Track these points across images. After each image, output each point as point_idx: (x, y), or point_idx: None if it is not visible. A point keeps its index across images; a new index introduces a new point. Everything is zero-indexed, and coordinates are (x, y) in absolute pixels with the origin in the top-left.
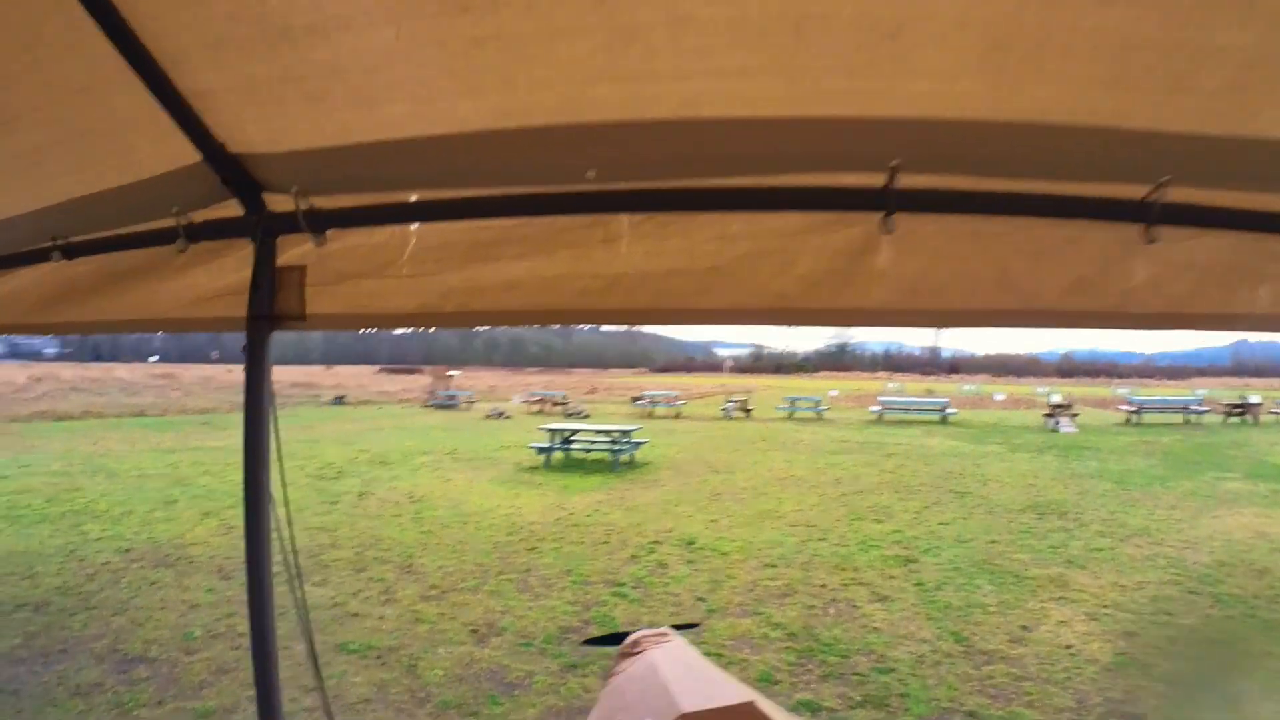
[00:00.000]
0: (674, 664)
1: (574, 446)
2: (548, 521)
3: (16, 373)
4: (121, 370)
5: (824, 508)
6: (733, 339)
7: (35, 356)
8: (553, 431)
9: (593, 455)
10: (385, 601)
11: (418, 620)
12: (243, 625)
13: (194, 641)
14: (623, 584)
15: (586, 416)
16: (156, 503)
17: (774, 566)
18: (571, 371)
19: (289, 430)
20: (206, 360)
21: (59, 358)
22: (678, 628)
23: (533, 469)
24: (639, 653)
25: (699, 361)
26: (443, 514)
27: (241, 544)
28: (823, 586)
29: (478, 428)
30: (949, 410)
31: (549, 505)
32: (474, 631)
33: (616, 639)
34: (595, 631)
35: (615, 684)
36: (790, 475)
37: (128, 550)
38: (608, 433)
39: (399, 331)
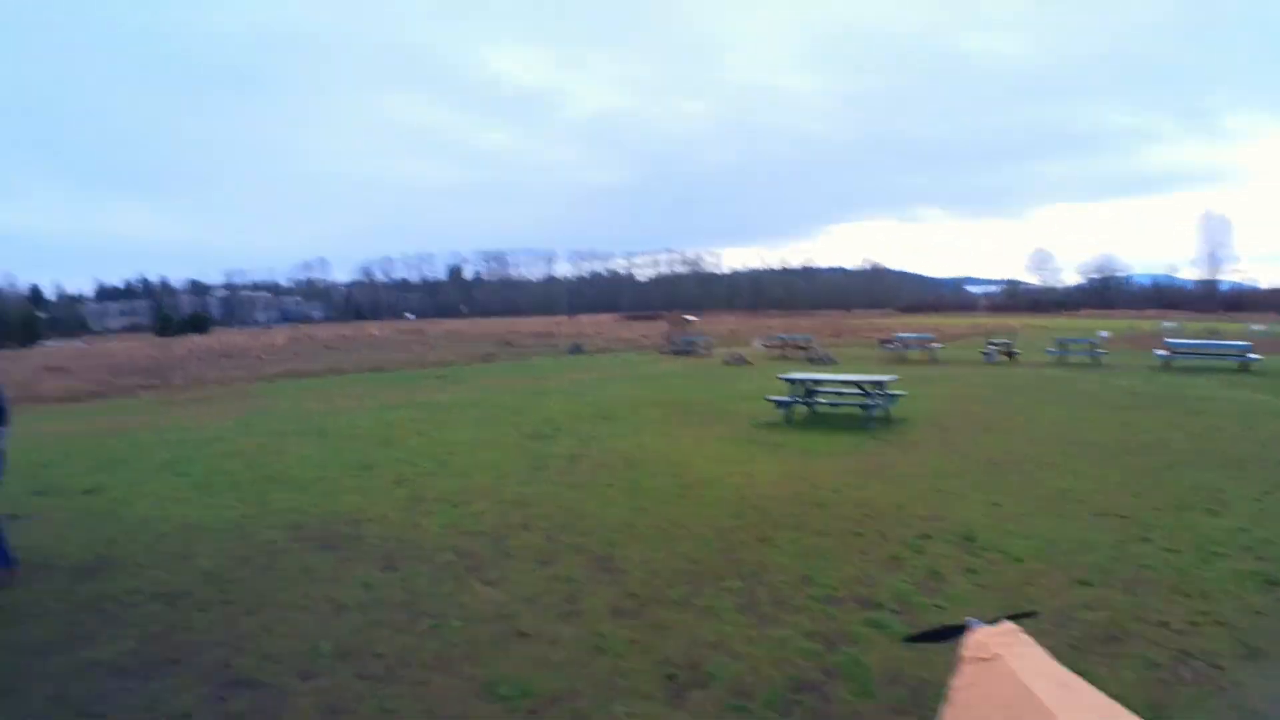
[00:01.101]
0: (1049, 685)
1: (819, 400)
2: (785, 496)
3: (279, 335)
4: (373, 328)
5: (1133, 487)
6: (985, 275)
7: (304, 320)
8: (794, 382)
9: (841, 410)
10: (566, 614)
11: (599, 649)
12: (384, 643)
13: (318, 661)
14: (881, 604)
15: (832, 362)
16: (352, 467)
17: (1088, 585)
18: (814, 313)
19: (519, 382)
20: (457, 314)
21: (324, 320)
22: (1013, 618)
23: (771, 425)
24: (989, 659)
25: (949, 299)
26: (662, 483)
27: (424, 523)
28: (1163, 625)
29: (714, 375)
30: (1250, 355)
31: (788, 474)
32: (669, 677)
33: (944, 634)
34: (842, 682)
35: (967, 702)
36: (1079, 438)
37: (299, 526)
38: (857, 383)
39: (642, 278)
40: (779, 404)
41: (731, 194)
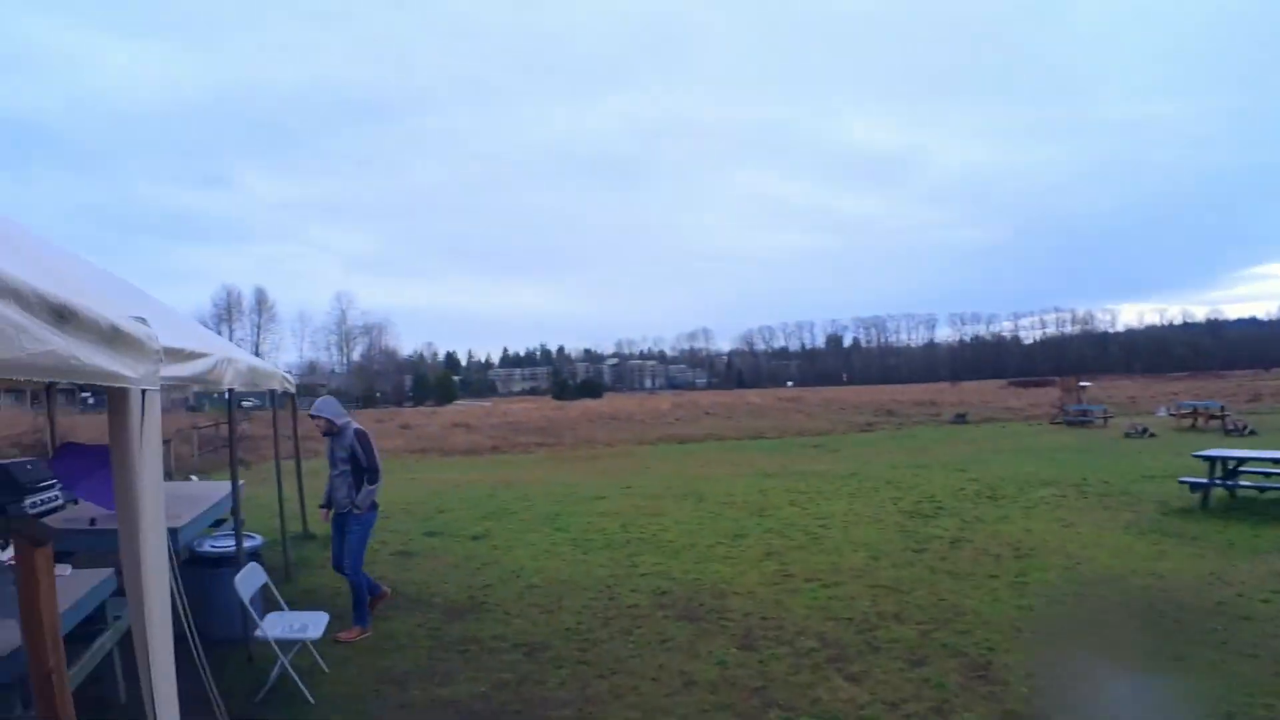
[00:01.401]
0: None
1: (1242, 482)
2: (1203, 604)
3: (664, 401)
4: (753, 395)
5: None
6: None
7: (688, 386)
8: (1212, 460)
9: (1269, 494)
10: None
11: None
12: None
13: None
14: None
15: (1253, 434)
16: (723, 535)
17: None
18: (1225, 374)
19: (899, 454)
20: (836, 382)
21: (707, 387)
22: None
23: (1184, 512)
24: None
25: None
26: (1054, 578)
27: (789, 602)
28: None
29: (1114, 449)
30: None
31: (1204, 575)
32: None
33: None
34: None
35: None
36: None
37: (664, 593)
38: None
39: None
40: (1193, 486)
41: (1121, 243)
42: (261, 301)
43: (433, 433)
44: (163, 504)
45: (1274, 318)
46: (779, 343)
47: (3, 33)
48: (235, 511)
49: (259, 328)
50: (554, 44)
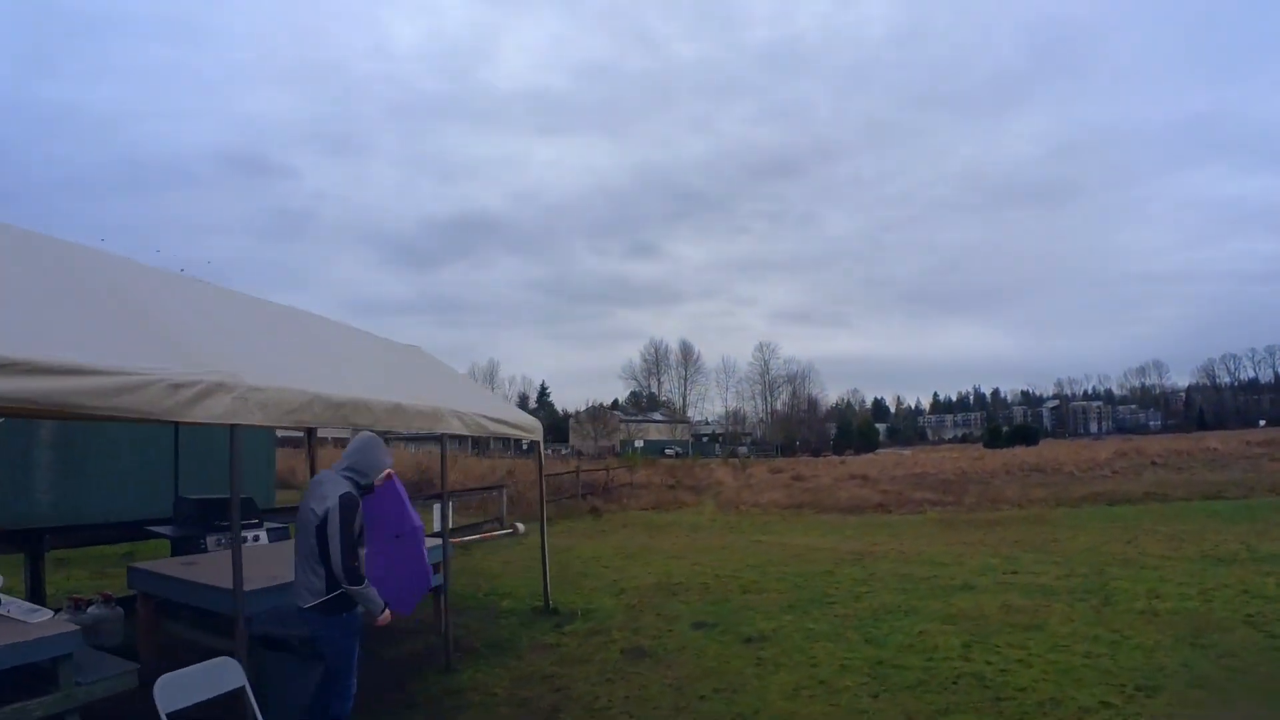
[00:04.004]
0: None
1: None
2: None
3: (1103, 448)
4: (1213, 439)
5: None
6: None
7: (1140, 430)
8: None
9: None
10: None
11: None
12: None
13: None
14: None
15: None
16: (1121, 680)
17: None
18: None
19: None
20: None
21: (1161, 430)
22: None
23: None
24: None
25: None
26: None
27: None
28: None
29: None
30: None
31: None
32: None
33: None
34: None
35: None
36: None
37: None
38: None
39: None
40: None
41: None
42: (686, 354)
43: (821, 485)
44: None
45: None
46: (1247, 373)
47: (454, 151)
48: (236, 580)
49: (685, 379)
50: (945, 74)
